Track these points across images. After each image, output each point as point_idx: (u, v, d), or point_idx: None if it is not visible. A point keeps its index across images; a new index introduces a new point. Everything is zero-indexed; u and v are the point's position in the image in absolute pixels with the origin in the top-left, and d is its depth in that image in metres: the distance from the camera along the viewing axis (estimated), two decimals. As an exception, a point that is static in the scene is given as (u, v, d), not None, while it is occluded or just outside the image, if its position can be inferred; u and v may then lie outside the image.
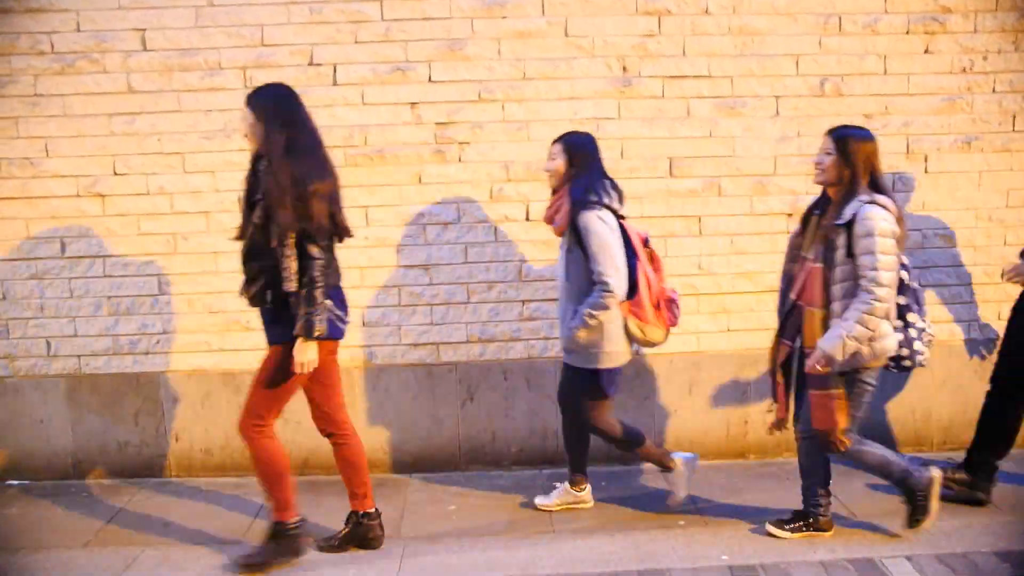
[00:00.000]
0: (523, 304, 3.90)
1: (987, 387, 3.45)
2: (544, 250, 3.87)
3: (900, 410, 4.03)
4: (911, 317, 2.92)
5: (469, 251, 3.86)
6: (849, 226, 2.82)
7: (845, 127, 2.98)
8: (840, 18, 3.81)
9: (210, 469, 3.91)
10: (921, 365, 2.97)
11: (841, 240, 2.84)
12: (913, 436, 4.04)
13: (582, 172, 3.12)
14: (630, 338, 3.16)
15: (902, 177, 3.91)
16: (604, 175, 3.17)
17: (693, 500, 3.53)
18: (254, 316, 3.84)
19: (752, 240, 3.92)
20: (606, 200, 3.09)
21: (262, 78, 3.71)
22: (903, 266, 2.91)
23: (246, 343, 3.84)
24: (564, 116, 3.80)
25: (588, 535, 3.22)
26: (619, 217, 3.16)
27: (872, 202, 2.81)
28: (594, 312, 3.04)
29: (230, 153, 3.75)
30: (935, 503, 3.01)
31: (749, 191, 3.89)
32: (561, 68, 3.78)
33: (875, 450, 3.04)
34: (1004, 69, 3.87)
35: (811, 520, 3.16)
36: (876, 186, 2.88)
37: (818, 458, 3.13)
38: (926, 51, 3.85)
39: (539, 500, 3.49)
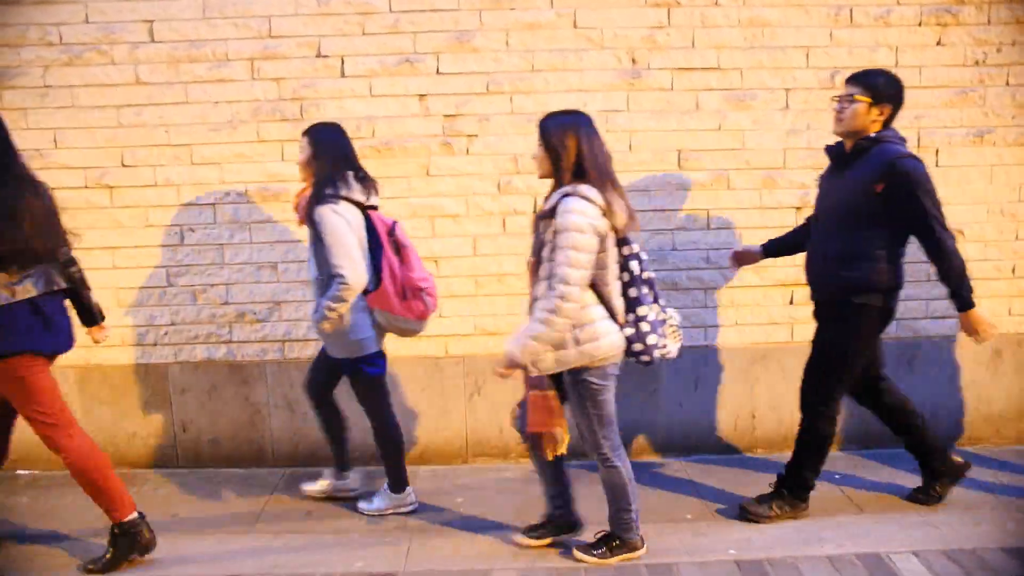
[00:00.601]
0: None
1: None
2: (552, 243, 3.86)
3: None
4: (642, 310, 2.76)
5: (477, 243, 3.86)
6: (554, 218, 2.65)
7: (551, 114, 2.77)
8: (851, 10, 3.77)
9: (218, 459, 3.92)
10: (667, 358, 2.84)
11: (549, 234, 2.67)
12: (922, 431, 4.02)
13: (325, 164, 3.12)
14: (380, 328, 3.18)
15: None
16: (349, 166, 3.16)
17: (700, 495, 3.53)
18: (262, 308, 3.86)
19: (761, 234, 3.89)
20: (344, 192, 3.08)
21: (269, 70, 3.72)
22: (634, 256, 2.75)
23: (254, 335, 3.85)
24: (572, 108, 3.77)
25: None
26: (366, 208, 3.16)
27: (573, 193, 2.63)
28: (333, 305, 3.04)
29: (237, 145, 3.76)
30: (614, 561, 2.93)
31: (758, 184, 3.87)
32: (570, 60, 3.76)
33: (625, 474, 2.87)
34: (1018, 61, 3.82)
35: (550, 524, 3.07)
36: (584, 175, 2.67)
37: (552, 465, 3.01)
38: (938, 43, 3.81)
39: (361, 505, 3.45)
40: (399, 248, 3.20)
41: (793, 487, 3.27)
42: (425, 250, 3.85)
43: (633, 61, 3.78)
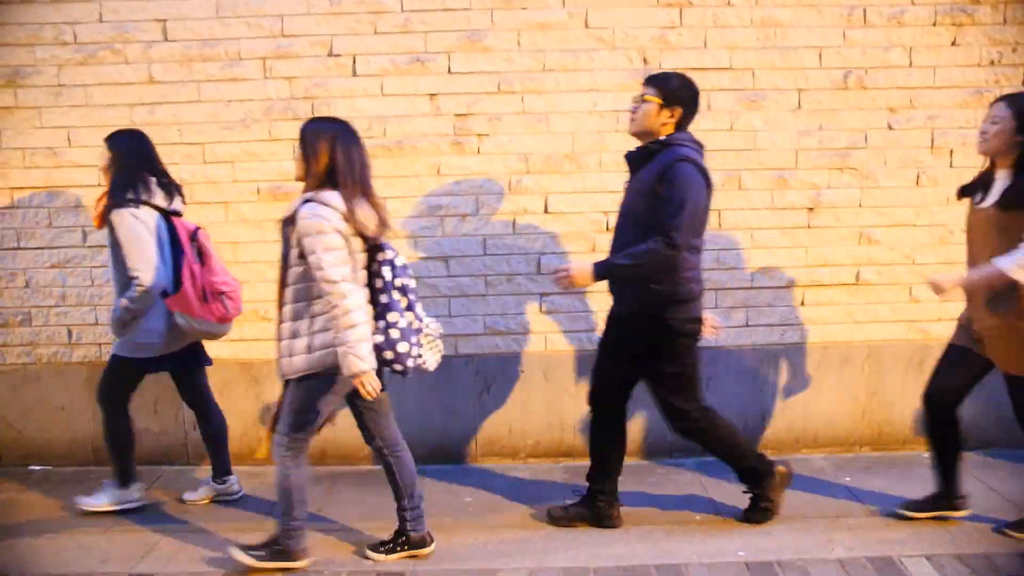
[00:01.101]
0: (540, 297, 3.89)
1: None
2: (562, 243, 3.86)
3: (920, 408, 3.97)
4: (392, 317, 2.71)
5: (487, 243, 3.86)
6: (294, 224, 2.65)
7: (313, 119, 2.79)
8: (865, 10, 3.75)
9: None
10: (421, 369, 2.80)
11: (294, 239, 2.65)
12: (934, 434, 3.99)
13: (122, 169, 3.18)
14: (181, 331, 3.24)
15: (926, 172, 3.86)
16: (150, 171, 3.21)
17: (710, 496, 3.52)
18: (272, 306, 3.87)
19: (772, 235, 3.88)
20: (144, 197, 3.14)
21: (282, 69, 3.73)
22: (387, 262, 2.73)
23: (264, 333, 3.86)
24: (584, 108, 3.78)
25: (605, 530, 3.21)
26: (169, 213, 3.22)
27: (312, 199, 2.62)
28: (130, 306, 3.11)
29: (250, 143, 3.77)
30: (270, 565, 2.86)
31: (770, 185, 3.85)
32: (581, 60, 3.75)
33: (295, 481, 2.82)
34: (1033, 62, 3.80)
35: (403, 538, 3.00)
36: (335, 183, 2.66)
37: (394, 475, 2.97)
38: (953, 43, 3.78)
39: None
40: (201, 252, 3.25)
41: (752, 480, 3.20)
42: (435, 249, 3.85)
43: (644, 61, 3.77)
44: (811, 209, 3.86)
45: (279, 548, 2.88)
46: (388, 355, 2.71)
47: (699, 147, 3.00)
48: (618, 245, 3.05)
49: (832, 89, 3.80)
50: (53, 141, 3.76)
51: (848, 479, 3.66)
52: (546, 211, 3.85)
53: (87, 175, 3.79)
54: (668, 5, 3.73)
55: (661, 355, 3.04)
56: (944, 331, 3.92)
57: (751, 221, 3.87)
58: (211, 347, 3.87)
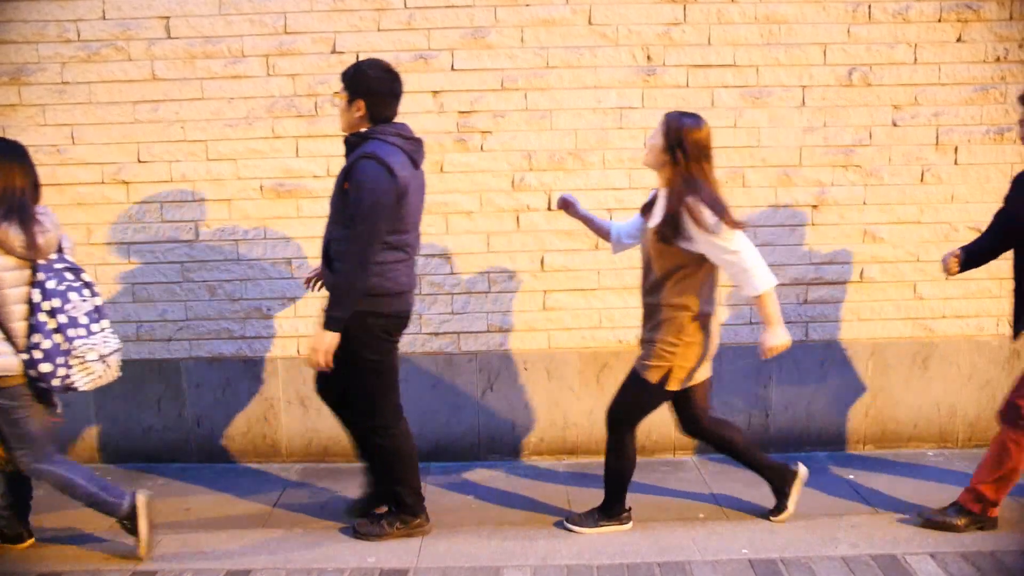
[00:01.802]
0: (544, 294, 3.89)
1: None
2: (566, 240, 3.85)
3: (924, 406, 3.98)
4: (35, 338, 2.76)
5: (491, 240, 3.85)
6: None
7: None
8: (870, 6, 3.74)
9: (232, 454, 3.94)
10: (70, 388, 2.83)
11: None
12: (937, 432, 3.99)
13: None
14: None
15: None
16: None
17: (714, 494, 3.51)
18: (275, 304, 3.88)
19: (776, 232, 3.88)
20: None
21: (285, 66, 3.73)
22: (37, 284, 2.77)
23: (267, 331, 3.87)
24: (587, 105, 3.77)
25: (607, 527, 3.20)
26: None
27: None
28: None
29: (253, 141, 3.77)
30: (143, 527, 2.94)
31: (774, 182, 3.84)
32: (585, 57, 3.74)
33: (58, 471, 2.91)
34: (1039, 58, 3.78)
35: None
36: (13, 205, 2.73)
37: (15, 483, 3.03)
38: (959, 39, 3.77)
39: None
40: None
41: (398, 504, 3.12)
42: (438, 247, 3.85)
43: (648, 58, 3.76)
44: (815, 206, 3.85)
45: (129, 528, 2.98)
46: (32, 373, 2.79)
47: (401, 139, 2.88)
48: (326, 233, 2.99)
49: (837, 86, 3.78)
50: (56, 139, 3.76)
51: (852, 477, 3.65)
52: (549, 208, 3.84)
53: (90, 172, 3.79)
54: (672, 1, 3.72)
55: (346, 340, 2.89)
56: (948, 328, 3.93)
57: (755, 218, 3.86)
58: (214, 345, 3.89)
